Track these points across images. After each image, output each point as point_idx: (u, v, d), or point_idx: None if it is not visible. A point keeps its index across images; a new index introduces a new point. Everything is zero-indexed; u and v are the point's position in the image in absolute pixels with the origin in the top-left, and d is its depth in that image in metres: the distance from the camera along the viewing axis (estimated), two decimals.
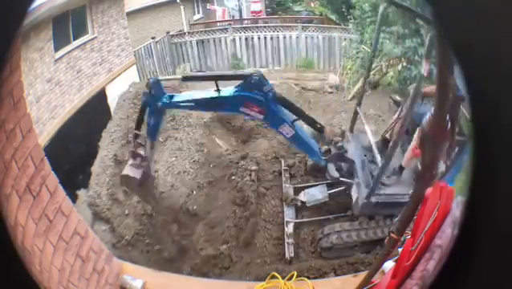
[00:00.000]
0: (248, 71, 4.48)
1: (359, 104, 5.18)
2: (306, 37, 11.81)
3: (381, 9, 4.52)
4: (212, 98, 4.29)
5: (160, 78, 4.49)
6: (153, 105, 4.35)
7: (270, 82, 9.52)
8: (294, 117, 4.41)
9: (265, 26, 12.66)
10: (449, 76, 1.20)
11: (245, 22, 14.63)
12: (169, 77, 4.53)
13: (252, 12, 15.85)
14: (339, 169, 5.02)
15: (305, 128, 4.74)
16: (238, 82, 4.29)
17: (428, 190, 1.59)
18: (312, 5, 17.76)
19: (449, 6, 0.78)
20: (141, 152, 4.61)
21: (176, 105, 4.48)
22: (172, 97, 4.39)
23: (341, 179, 4.98)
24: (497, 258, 0.82)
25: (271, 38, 12.11)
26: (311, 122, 4.65)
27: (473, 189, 0.84)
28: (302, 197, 5.49)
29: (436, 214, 1.56)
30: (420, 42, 6.89)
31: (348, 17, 10.95)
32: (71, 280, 2.15)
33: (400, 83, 7.95)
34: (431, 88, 4.54)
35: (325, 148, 5.07)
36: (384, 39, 7.73)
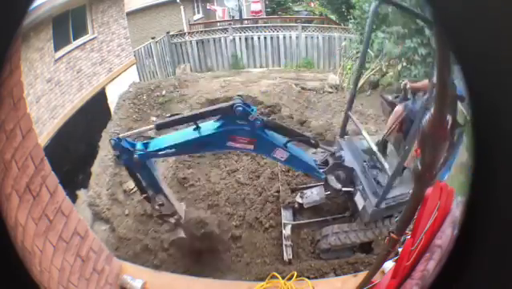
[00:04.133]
0: (224, 104, 3.83)
1: (349, 108, 5.05)
2: (306, 37, 11.82)
3: (372, 6, 4.42)
4: (193, 140, 3.77)
5: (123, 134, 3.92)
6: (132, 162, 3.86)
7: (270, 81, 9.54)
8: (286, 139, 4.04)
9: (265, 26, 12.67)
10: (448, 76, 1.20)
11: (245, 22, 14.64)
12: (137, 130, 4.03)
13: (252, 12, 15.86)
14: (337, 179, 4.82)
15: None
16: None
17: (428, 190, 1.59)
18: (312, 5, 17.77)
19: (448, 7, 0.78)
20: (164, 210, 4.28)
21: (154, 155, 3.89)
22: (146, 145, 3.88)
23: (343, 189, 4.81)
24: (496, 259, 0.82)
25: (271, 38, 12.11)
26: (305, 140, 4.35)
27: (473, 189, 0.84)
28: (300, 198, 5.49)
29: (436, 214, 1.56)
30: (421, 42, 6.89)
31: (348, 17, 10.96)
32: (71, 280, 2.15)
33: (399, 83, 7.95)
34: (423, 83, 4.54)
35: (322, 160, 4.87)
36: (384, 39, 7.73)
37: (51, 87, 6.86)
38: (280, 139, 4.03)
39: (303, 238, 5.35)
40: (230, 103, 3.64)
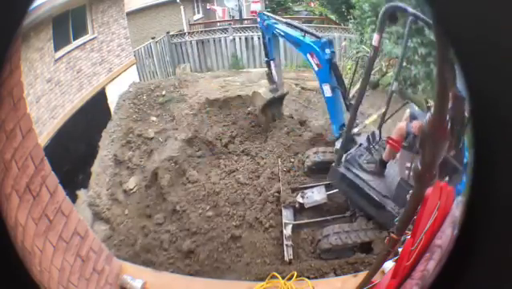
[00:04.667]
0: (321, 34, 5.48)
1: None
2: None
3: (409, 20, 4.40)
4: (294, 37, 5.58)
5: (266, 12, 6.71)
6: (263, 26, 6.30)
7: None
8: (337, 85, 5.26)
9: None
10: (448, 76, 1.20)
11: (245, 22, 14.64)
12: (278, 18, 6.51)
13: (252, 12, 15.85)
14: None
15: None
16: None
17: (428, 190, 1.59)
18: (312, 5, 17.78)
19: (448, 7, 0.78)
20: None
21: (275, 28, 6.06)
22: (276, 23, 6.11)
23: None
24: (497, 258, 0.82)
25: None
26: (345, 98, 5.35)
27: (473, 189, 0.84)
28: (301, 198, 5.48)
29: (436, 214, 1.56)
30: (421, 42, 6.88)
31: (348, 17, 10.95)
32: (71, 280, 2.15)
33: (399, 83, 7.94)
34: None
35: (356, 132, 5.41)
36: (384, 39, 7.72)
37: (51, 87, 6.85)
38: (334, 81, 5.27)
39: (303, 238, 5.35)
40: (322, 35, 5.35)
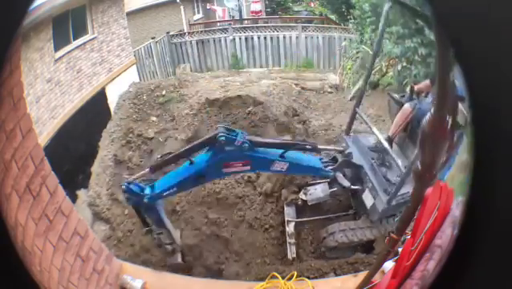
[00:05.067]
0: (208, 135, 4.01)
1: (357, 105, 5.07)
2: (306, 37, 11.81)
3: (386, 7, 4.38)
4: (191, 175, 3.89)
5: (129, 179, 4.10)
6: (142, 203, 4.01)
7: (270, 81, 9.51)
8: (281, 151, 4.06)
9: (265, 26, 12.67)
10: (448, 76, 1.20)
11: (245, 22, 14.64)
12: (139, 174, 4.19)
13: (252, 12, 15.86)
14: (345, 176, 4.84)
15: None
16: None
17: (428, 190, 1.59)
18: (312, 5, 17.77)
19: (448, 7, 0.78)
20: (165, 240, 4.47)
21: (160, 196, 4.01)
22: (153, 188, 3.99)
23: (352, 187, 4.78)
24: (496, 258, 0.82)
25: (271, 38, 12.11)
26: (300, 147, 4.35)
27: (473, 189, 0.84)
28: (304, 195, 5.46)
29: (436, 214, 1.56)
30: (421, 42, 6.89)
31: (348, 17, 10.95)
32: (71, 280, 2.15)
33: (399, 83, 7.95)
34: (425, 84, 4.55)
35: (330, 158, 4.87)
36: (384, 39, 7.73)
37: (51, 87, 6.86)
38: (275, 152, 4.03)
39: (304, 238, 5.35)
40: (213, 134, 3.75)
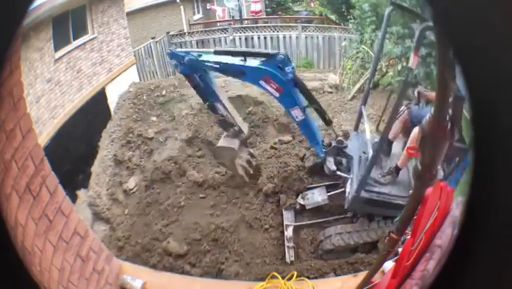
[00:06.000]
0: (271, 51, 4.44)
1: (364, 104, 5.11)
2: (306, 37, 11.81)
3: (387, 10, 4.45)
4: (237, 65, 4.43)
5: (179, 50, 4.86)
6: (187, 69, 4.70)
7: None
8: (306, 103, 4.54)
9: (265, 26, 12.67)
10: (449, 76, 1.20)
11: (245, 22, 14.64)
12: (195, 50, 4.99)
13: (252, 12, 15.87)
14: (337, 164, 5.07)
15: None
16: None
17: (428, 190, 1.59)
18: (312, 5, 17.80)
19: (449, 6, 0.78)
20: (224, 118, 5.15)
21: (203, 63, 4.62)
22: (200, 55, 4.62)
23: (337, 173, 5.00)
24: (497, 258, 0.82)
25: (271, 38, 12.11)
26: (321, 113, 4.77)
27: (473, 189, 0.84)
28: (302, 200, 5.48)
29: (436, 214, 1.56)
30: None
31: (348, 17, 10.95)
32: (71, 280, 2.15)
33: (399, 83, 7.95)
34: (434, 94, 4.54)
35: (327, 142, 5.18)
36: (384, 39, 7.73)
37: (51, 87, 6.86)
38: (302, 101, 4.53)
39: (303, 238, 5.35)
40: (275, 51, 4.29)
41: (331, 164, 5.04)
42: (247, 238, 5.50)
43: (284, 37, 12.01)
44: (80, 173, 7.18)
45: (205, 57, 4.60)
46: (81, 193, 6.85)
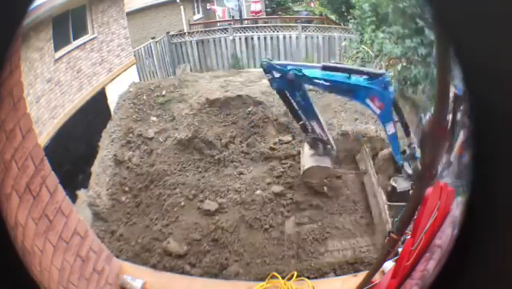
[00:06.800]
0: (377, 70, 4.94)
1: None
2: (306, 37, 11.81)
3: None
4: (344, 82, 4.53)
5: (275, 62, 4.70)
6: (285, 84, 4.58)
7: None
8: (396, 118, 4.83)
9: (265, 26, 12.66)
10: (449, 76, 1.20)
11: (245, 22, 14.63)
12: (287, 62, 4.82)
13: (252, 12, 15.86)
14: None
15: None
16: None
17: (428, 190, 1.58)
18: (312, 5, 17.77)
19: (448, 7, 0.78)
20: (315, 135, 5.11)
21: (309, 80, 4.61)
22: (299, 70, 4.53)
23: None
24: (497, 258, 0.82)
25: (271, 38, 12.11)
26: (405, 126, 4.97)
27: (473, 189, 0.84)
28: (394, 182, 5.70)
29: (436, 214, 1.55)
30: (421, 42, 6.88)
31: (348, 17, 10.93)
32: (70, 280, 2.15)
33: (399, 83, 7.94)
34: None
35: (402, 149, 5.41)
36: (384, 39, 7.73)
37: (51, 87, 6.85)
38: (395, 115, 4.79)
39: (304, 238, 5.35)
40: (381, 71, 4.68)
41: (408, 168, 5.31)
42: (247, 238, 5.50)
43: (284, 37, 12.00)
44: (80, 173, 7.17)
45: (309, 72, 4.54)
46: (81, 193, 6.84)
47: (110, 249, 3.97)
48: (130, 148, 7.66)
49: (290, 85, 4.64)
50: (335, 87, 4.72)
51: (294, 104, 4.90)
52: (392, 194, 5.75)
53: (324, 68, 4.60)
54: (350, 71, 4.59)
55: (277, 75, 4.58)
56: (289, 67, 4.47)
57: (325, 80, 4.51)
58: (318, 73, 4.58)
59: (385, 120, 4.84)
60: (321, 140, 5.37)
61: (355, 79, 4.50)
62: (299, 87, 4.67)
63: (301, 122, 5.20)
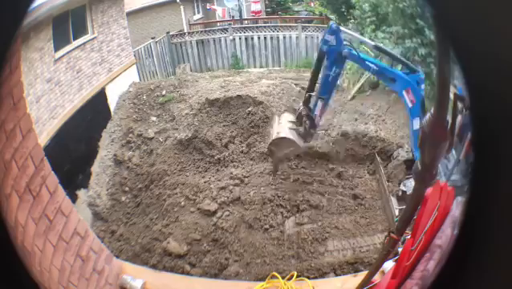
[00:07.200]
0: (414, 66, 4.97)
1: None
2: (306, 37, 11.82)
3: None
4: (390, 70, 4.85)
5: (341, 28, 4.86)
6: (333, 54, 4.70)
7: (270, 81, 9.55)
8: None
9: (265, 26, 12.67)
10: (449, 76, 1.20)
11: (245, 22, 14.64)
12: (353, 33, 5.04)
13: (252, 12, 15.87)
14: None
15: None
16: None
17: (428, 190, 1.58)
18: (312, 5, 17.77)
19: (448, 6, 0.78)
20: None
21: (361, 60, 4.88)
22: (351, 50, 4.77)
23: None
24: (497, 258, 0.82)
25: (271, 38, 12.12)
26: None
27: (473, 189, 0.84)
28: (403, 186, 5.80)
29: (436, 214, 1.55)
30: (421, 42, 6.88)
31: (348, 17, 10.94)
32: (71, 280, 2.15)
33: None
34: None
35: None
36: (384, 39, 7.73)
37: (51, 87, 6.85)
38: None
39: (303, 238, 5.35)
40: (418, 68, 4.84)
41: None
42: (247, 238, 5.50)
43: (284, 37, 12.01)
44: (80, 173, 7.17)
45: (363, 55, 4.87)
46: (81, 193, 6.85)
47: (110, 249, 3.98)
48: (130, 148, 7.67)
49: (336, 58, 4.79)
50: (381, 73, 4.96)
51: (321, 74, 5.00)
52: (403, 198, 5.80)
53: (375, 47, 4.96)
54: (396, 58, 4.96)
55: (333, 42, 4.69)
56: (345, 46, 4.66)
57: (376, 65, 4.83)
58: (369, 57, 4.97)
59: (414, 115, 4.96)
60: (312, 121, 5.37)
61: (396, 69, 4.82)
62: (341, 65, 4.88)
63: (309, 93, 5.27)
